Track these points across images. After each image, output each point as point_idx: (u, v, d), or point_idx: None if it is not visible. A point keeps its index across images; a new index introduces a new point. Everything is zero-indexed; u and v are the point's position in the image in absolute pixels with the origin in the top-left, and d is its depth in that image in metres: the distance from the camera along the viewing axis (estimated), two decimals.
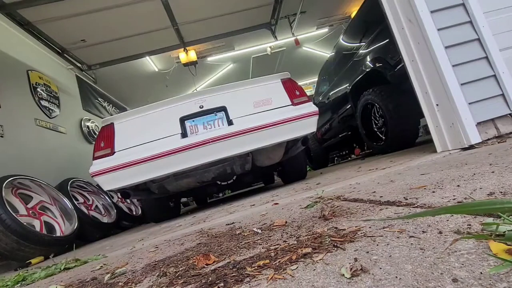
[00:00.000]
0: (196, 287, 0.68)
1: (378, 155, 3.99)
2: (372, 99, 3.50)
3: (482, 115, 1.96)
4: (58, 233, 2.95)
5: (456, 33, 2.03)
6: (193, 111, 2.72)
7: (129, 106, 8.66)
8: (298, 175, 3.59)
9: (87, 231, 3.49)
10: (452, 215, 0.70)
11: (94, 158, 2.59)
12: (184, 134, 2.65)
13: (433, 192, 0.99)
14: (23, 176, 2.94)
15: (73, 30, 5.19)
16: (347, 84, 4.19)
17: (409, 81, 2.24)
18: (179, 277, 0.79)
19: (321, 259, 0.65)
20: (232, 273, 0.70)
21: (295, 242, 0.82)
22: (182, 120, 2.69)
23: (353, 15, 5.92)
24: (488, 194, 0.81)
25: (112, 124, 2.70)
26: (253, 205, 2.06)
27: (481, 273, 0.43)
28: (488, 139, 1.96)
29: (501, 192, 0.80)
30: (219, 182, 3.43)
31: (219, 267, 0.78)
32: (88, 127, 5.95)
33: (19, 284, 1.49)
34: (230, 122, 2.69)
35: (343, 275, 0.54)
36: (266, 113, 2.72)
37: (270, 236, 0.97)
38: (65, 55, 5.77)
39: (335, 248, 0.69)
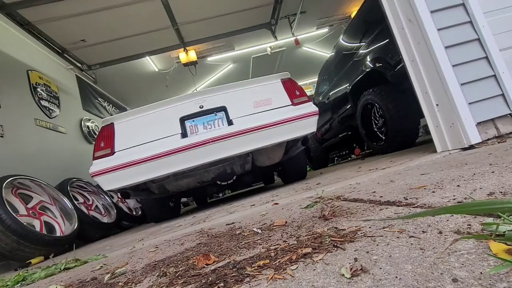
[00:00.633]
0: (196, 287, 0.68)
1: (378, 155, 3.99)
2: (372, 99, 3.50)
3: (482, 115, 1.96)
4: (58, 233, 2.95)
5: (456, 33, 2.03)
6: (193, 111, 2.72)
7: (129, 106, 8.66)
8: (298, 175, 3.59)
9: (87, 231, 3.49)
10: (452, 215, 0.70)
11: (94, 158, 2.59)
12: (184, 134, 2.65)
13: (433, 192, 0.99)
14: (23, 176, 2.94)
15: (73, 30, 5.19)
16: (347, 84, 4.19)
17: (409, 81, 2.24)
18: (179, 277, 0.79)
19: (321, 259, 0.65)
20: (232, 273, 0.70)
21: (295, 242, 0.82)
22: (182, 120, 2.69)
23: (353, 15, 5.92)
24: (488, 194, 0.81)
25: (112, 124, 2.70)
26: (253, 205, 2.06)
27: (481, 273, 0.43)
28: (488, 139, 1.96)
29: (501, 192, 0.80)
30: (219, 182, 3.43)
31: (219, 267, 0.78)
32: (88, 127, 5.95)
33: (19, 284, 1.49)
34: (230, 122, 2.69)
35: (343, 275, 0.54)
36: (266, 113, 2.72)
37: (270, 236, 0.97)
38: (65, 55, 5.76)
39: (335, 248, 0.69)
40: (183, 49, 6.68)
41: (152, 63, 7.19)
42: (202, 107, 2.73)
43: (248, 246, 0.92)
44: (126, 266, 1.16)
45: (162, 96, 7.41)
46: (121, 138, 2.64)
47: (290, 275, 0.60)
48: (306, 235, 0.86)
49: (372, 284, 0.48)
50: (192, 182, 2.95)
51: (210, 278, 0.70)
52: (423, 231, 0.66)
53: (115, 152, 2.59)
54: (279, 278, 0.60)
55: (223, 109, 2.74)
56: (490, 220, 0.62)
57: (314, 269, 0.60)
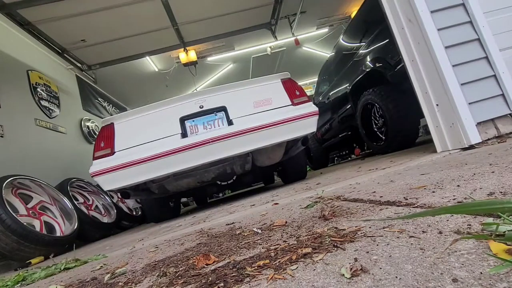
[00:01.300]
0: (196, 287, 0.68)
1: (378, 155, 3.99)
2: (372, 99, 3.50)
3: (482, 115, 1.96)
4: (58, 233, 2.95)
5: (456, 33, 2.03)
6: (193, 111, 2.72)
7: (129, 106, 8.66)
8: (298, 175, 3.59)
9: (87, 231, 3.49)
10: (452, 215, 0.70)
11: (94, 158, 2.59)
12: (184, 134, 2.65)
13: (433, 192, 0.99)
14: (23, 176, 2.94)
15: (73, 30, 5.19)
16: (347, 84, 4.19)
17: (409, 81, 2.24)
18: (179, 277, 0.79)
19: (321, 259, 0.65)
20: (232, 273, 0.70)
21: (295, 242, 0.82)
22: (182, 120, 2.69)
23: (353, 15, 5.93)
24: (488, 194, 0.81)
25: (112, 124, 2.70)
26: (253, 205, 2.06)
27: (481, 273, 0.43)
28: (488, 139, 1.96)
29: (501, 192, 0.80)
30: (219, 182, 3.43)
31: (219, 267, 0.78)
32: (88, 127, 5.95)
33: (19, 284, 1.49)
34: (230, 122, 2.69)
35: (343, 275, 0.54)
36: (266, 113, 2.72)
37: (270, 236, 0.97)
38: (65, 55, 5.77)
39: (335, 248, 0.69)
40: (183, 49, 6.68)
41: (152, 63, 7.19)
42: (202, 107, 2.73)
43: (248, 246, 0.92)
44: (126, 266, 1.16)
45: (162, 96, 7.42)
46: (121, 138, 2.64)
47: (290, 275, 0.60)
48: (306, 235, 0.86)
49: (372, 284, 0.48)
50: (192, 182, 2.95)
51: (210, 278, 0.70)
52: (423, 231, 0.66)
53: (115, 152, 2.59)
54: (279, 278, 0.60)
55: (223, 109, 2.74)
56: (490, 220, 0.62)
57: (314, 269, 0.60)
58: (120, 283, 0.91)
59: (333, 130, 5.27)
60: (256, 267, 0.70)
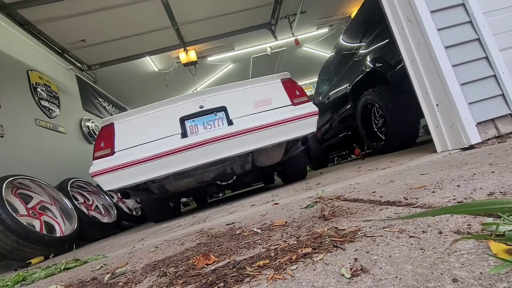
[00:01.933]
0: (196, 287, 0.68)
1: (378, 155, 3.99)
2: (372, 99, 3.50)
3: (482, 115, 1.96)
4: (58, 233, 2.95)
5: (456, 33, 2.03)
6: (193, 111, 2.72)
7: (129, 106, 8.66)
8: (298, 175, 3.59)
9: (87, 231, 3.49)
10: (452, 215, 0.70)
11: (94, 158, 2.59)
12: (184, 134, 2.65)
13: (433, 192, 0.99)
14: (23, 176, 2.94)
15: (73, 30, 5.20)
16: (347, 84, 4.19)
17: (409, 81, 2.24)
18: (179, 277, 0.79)
19: (321, 259, 0.65)
20: (232, 273, 0.70)
21: (295, 242, 0.82)
22: (182, 120, 2.69)
23: (353, 15, 5.92)
24: (488, 194, 0.81)
25: (112, 124, 2.70)
26: (253, 205, 2.06)
27: (481, 273, 0.43)
28: (488, 139, 1.96)
29: (501, 192, 0.80)
30: (219, 182, 3.43)
31: (219, 267, 0.78)
32: (88, 127, 5.95)
33: (19, 284, 1.49)
34: (230, 122, 2.69)
35: (343, 275, 0.54)
36: (266, 113, 2.72)
37: (270, 236, 0.97)
38: (65, 55, 5.77)
39: (335, 248, 0.69)
40: (183, 49, 6.68)
41: (152, 63, 7.19)
42: (202, 107, 2.73)
43: (248, 246, 0.92)
44: (126, 266, 1.16)
45: (162, 96, 7.40)
46: (121, 138, 2.64)
47: (290, 275, 0.60)
48: (306, 235, 0.86)
49: (372, 284, 0.48)
50: (192, 182, 2.95)
51: (210, 278, 0.70)
52: (423, 231, 0.66)
53: (115, 152, 2.59)
54: (279, 278, 0.60)
55: (223, 109, 2.74)
56: (490, 220, 0.62)
57: (314, 269, 0.60)
58: (120, 283, 0.91)
59: (333, 130, 5.27)
60: (256, 267, 0.70)
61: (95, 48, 5.87)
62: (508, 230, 0.51)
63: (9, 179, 2.72)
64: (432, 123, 2.14)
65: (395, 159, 2.55)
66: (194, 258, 0.93)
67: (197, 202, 6.53)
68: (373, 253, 0.61)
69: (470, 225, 0.62)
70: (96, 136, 3.19)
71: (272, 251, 0.79)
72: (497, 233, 0.52)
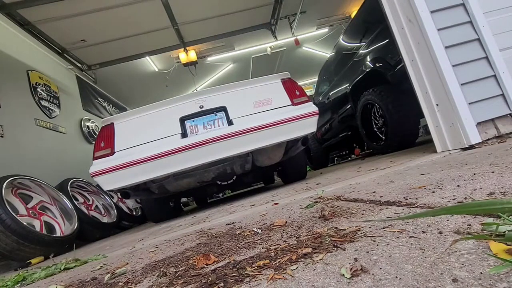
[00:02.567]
0: (196, 287, 0.68)
1: (378, 155, 3.99)
2: (372, 99, 3.50)
3: (482, 115, 1.96)
4: (58, 233, 2.95)
5: (456, 33, 2.03)
6: (193, 111, 2.72)
7: (129, 106, 8.66)
8: (298, 175, 3.59)
9: (87, 231, 3.49)
10: (452, 215, 0.70)
11: (94, 158, 2.59)
12: (184, 134, 2.65)
13: (433, 192, 0.99)
14: (23, 176, 2.94)
15: (73, 30, 5.19)
16: (347, 84, 4.19)
17: (409, 81, 2.24)
18: (179, 277, 0.79)
19: (321, 259, 0.65)
20: (232, 273, 0.70)
21: (295, 242, 0.82)
22: (182, 120, 2.69)
23: (353, 15, 5.92)
24: (488, 194, 0.81)
25: (112, 124, 2.70)
26: (253, 205, 2.06)
27: (481, 273, 0.43)
28: (488, 139, 1.96)
29: (501, 192, 0.80)
30: (219, 182, 3.43)
31: (219, 267, 0.78)
32: (88, 127, 5.95)
33: (19, 284, 1.49)
34: (230, 122, 2.69)
35: (343, 275, 0.54)
36: (266, 113, 2.72)
37: (270, 236, 0.97)
38: (65, 55, 5.77)
39: (335, 248, 0.69)
40: (183, 49, 6.68)
41: (152, 63, 7.19)
42: (202, 107, 2.73)
43: (248, 246, 0.92)
44: (126, 266, 1.16)
45: (162, 96, 7.37)
46: (121, 138, 2.64)
47: (290, 275, 0.60)
48: (306, 235, 0.86)
49: (372, 284, 0.48)
50: (192, 182, 2.95)
51: (210, 278, 0.70)
52: (423, 231, 0.66)
53: (115, 152, 2.59)
54: (279, 278, 0.60)
55: (223, 109, 2.74)
56: (490, 220, 0.62)
57: (314, 269, 0.60)
58: (120, 283, 0.91)
59: (333, 130, 5.27)
60: (256, 267, 0.70)
61: (95, 48, 5.87)
62: (508, 230, 0.51)
63: (9, 179, 2.72)
64: (432, 123, 2.14)
65: (395, 159, 2.55)
66: (194, 258, 0.93)
67: (197, 202, 6.53)
68: (373, 253, 0.61)
69: (470, 225, 0.62)
70: (96, 136, 3.19)
71: (272, 251, 0.79)
72: (497, 233, 0.52)
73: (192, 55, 6.82)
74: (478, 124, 1.94)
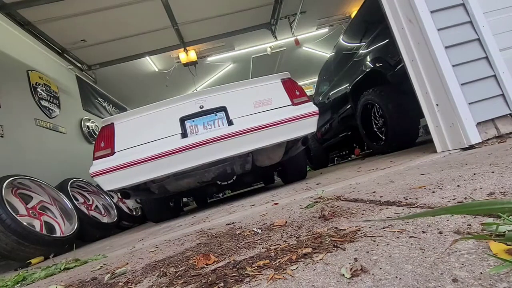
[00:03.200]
0: (196, 287, 0.68)
1: (378, 155, 3.99)
2: (372, 99, 3.50)
3: (482, 115, 1.96)
4: (58, 233, 2.95)
5: (456, 33, 2.03)
6: (193, 111, 2.72)
7: (129, 106, 8.66)
8: (298, 175, 3.59)
9: (87, 231, 3.49)
10: (452, 215, 0.70)
11: (94, 158, 2.58)
12: (184, 134, 2.65)
13: (433, 192, 0.99)
14: (23, 176, 2.94)
15: (73, 30, 5.20)
16: (347, 84, 4.19)
17: (409, 81, 2.24)
18: (179, 277, 0.79)
19: (321, 259, 0.65)
20: (232, 273, 0.70)
21: (295, 242, 0.82)
22: (182, 120, 2.69)
23: (353, 15, 5.93)
24: (488, 194, 0.81)
25: (112, 124, 2.70)
26: (253, 205, 2.06)
27: (481, 273, 0.43)
28: (488, 139, 1.96)
29: (501, 192, 0.80)
30: (219, 182, 3.43)
31: (219, 267, 0.78)
32: (88, 127, 5.95)
33: (19, 284, 1.49)
34: (230, 122, 2.69)
35: (343, 275, 0.54)
36: (266, 113, 2.72)
37: (270, 236, 0.97)
38: (65, 55, 5.77)
39: (335, 248, 0.69)
40: (183, 49, 6.68)
41: (152, 63, 7.19)
42: (202, 107, 2.72)
43: (248, 246, 0.92)
44: (126, 266, 1.16)
45: (162, 96, 7.36)
46: (121, 138, 2.64)
47: (290, 275, 0.60)
48: (306, 235, 0.86)
49: (372, 284, 0.48)
50: (192, 182, 2.95)
51: (210, 278, 0.70)
52: (423, 231, 0.66)
53: (115, 152, 2.59)
54: (279, 278, 0.60)
55: (223, 109, 2.74)
56: (490, 220, 0.62)
57: (314, 269, 0.60)
58: (120, 283, 0.91)
59: (333, 130, 5.27)
60: (256, 267, 0.70)
61: (95, 48, 5.87)
62: (508, 230, 0.51)
63: (9, 179, 2.73)
64: (432, 123, 2.14)
65: (395, 159, 2.55)
66: (194, 258, 0.93)
67: (197, 202, 6.53)
68: (373, 253, 0.61)
69: (470, 225, 0.62)
70: (96, 136, 3.19)
71: (272, 251, 0.79)
72: (497, 233, 0.52)
73: (192, 55, 6.82)
74: (478, 124, 1.94)
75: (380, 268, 0.53)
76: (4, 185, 2.61)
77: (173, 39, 6.27)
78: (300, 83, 3.12)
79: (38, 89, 4.73)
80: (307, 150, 6.58)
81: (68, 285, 1.10)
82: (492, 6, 2.09)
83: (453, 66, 1.98)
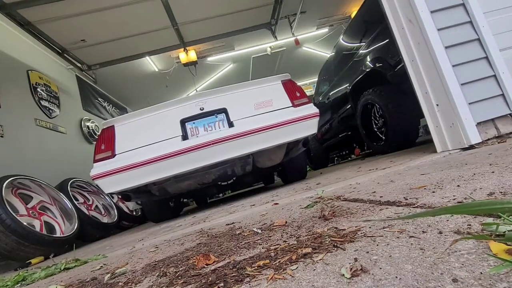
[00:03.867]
0: (196, 287, 0.68)
1: (378, 155, 3.99)
2: (372, 99, 3.50)
3: (482, 115, 1.96)
4: (58, 233, 2.95)
5: (456, 33, 2.03)
6: (194, 113, 2.71)
7: (129, 106, 8.66)
8: (298, 175, 3.59)
9: (87, 231, 3.49)
10: (452, 215, 0.70)
11: (95, 161, 2.58)
12: (184, 136, 2.64)
13: (433, 192, 0.99)
14: (23, 176, 2.94)
15: (73, 30, 5.20)
16: (347, 84, 4.19)
17: (409, 81, 2.24)
18: (179, 277, 0.79)
19: (321, 259, 0.65)
20: (232, 273, 0.70)
21: (295, 242, 0.82)
22: (183, 122, 2.69)
23: (353, 15, 5.93)
24: (488, 194, 0.81)
25: (112, 126, 2.69)
26: (253, 205, 2.06)
27: (481, 273, 0.43)
28: (488, 139, 1.96)
29: (501, 192, 0.80)
30: (219, 183, 3.43)
31: (219, 267, 0.78)
32: (88, 127, 5.95)
33: (19, 284, 1.49)
34: (230, 124, 2.69)
35: (343, 275, 0.54)
36: (267, 115, 2.72)
37: (270, 236, 0.97)
38: (65, 55, 5.77)
39: (335, 248, 0.69)
40: (183, 49, 6.68)
41: (152, 63, 7.19)
42: (203, 109, 2.72)
43: (248, 246, 0.92)
44: (126, 266, 1.16)
45: (162, 96, 7.41)
46: (121, 140, 2.63)
47: (290, 275, 0.60)
48: (306, 235, 0.86)
49: (372, 284, 0.48)
50: (193, 184, 2.95)
51: (210, 278, 0.70)
52: (423, 231, 0.66)
53: (115, 154, 2.58)
54: (279, 278, 0.60)
55: (224, 111, 2.74)
56: (490, 220, 0.62)
57: (314, 269, 0.60)
58: (120, 283, 0.91)
59: (333, 130, 5.27)
60: (256, 267, 0.70)
61: (95, 48, 5.87)
62: (508, 230, 0.51)
63: (9, 179, 2.73)
64: (432, 123, 2.14)
65: (395, 159, 2.55)
66: (194, 258, 0.93)
67: (197, 202, 6.53)
68: (373, 253, 0.61)
69: (470, 225, 0.62)
70: (96, 136, 3.19)
71: (272, 251, 0.79)
72: (497, 233, 0.52)
73: (192, 55, 6.83)
74: (478, 124, 1.94)
75: (380, 268, 0.53)
76: (4, 185, 2.61)
77: (173, 39, 6.27)
78: (300, 83, 3.13)
79: (38, 89, 4.73)
80: (307, 150, 6.57)
81: (68, 285, 1.10)
82: (492, 6, 2.09)
83: (453, 66, 1.98)
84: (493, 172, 1.06)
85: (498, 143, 1.86)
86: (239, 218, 1.62)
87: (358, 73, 3.78)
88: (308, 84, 11.02)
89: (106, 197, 4.28)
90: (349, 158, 7.94)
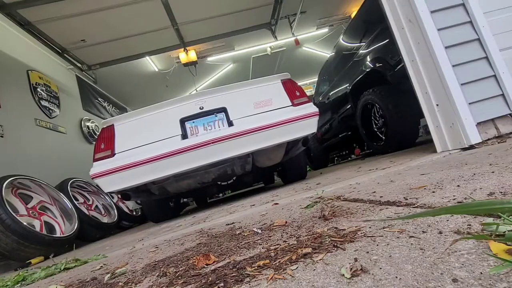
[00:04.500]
0: (196, 287, 0.68)
1: (378, 155, 3.99)
2: (372, 99, 3.50)
3: (482, 115, 1.96)
4: (58, 233, 2.95)
5: (456, 33, 2.03)
6: (193, 112, 2.71)
7: (129, 106, 8.66)
8: (298, 175, 3.59)
9: (87, 231, 3.49)
10: (452, 215, 0.70)
11: (95, 160, 2.58)
12: (184, 136, 2.65)
13: (433, 192, 0.99)
14: (23, 176, 2.94)
15: (73, 30, 5.20)
16: (347, 84, 4.19)
17: (409, 81, 2.24)
18: (179, 277, 0.79)
19: (321, 259, 0.65)
20: (232, 273, 0.70)
21: (295, 242, 0.82)
22: (182, 121, 2.69)
23: (353, 15, 5.93)
24: (488, 194, 0.81)
25: (112, 125, 2.69)
26: (253, 205, 2.06)
27: (481, 273, 0.43)
28: (488, 139, 1.96)
29: (501, 192, 0.80)
30: (219, 183, 3.43)
31: (219, 267, 0.78)
32: (88, 127, 5.95)
33: (19, 284, 1.49)
34: (230, 123, 2.69)
35: (343, 275, 0.54)
36: (267, 114, 2.72)
37: (270, 236, 0.97)
38: (65, 55, 5.77)
39: (335, 248, 0.69)
40: (183, 49, 6.68)
41: (152, 63, 7.19)
42: (202, 108, 2.72)
43: (248, 246, 0.92)
44: (126, 266, 1.16)
45: (162, 96, 7.39)
46: (121, 139, 2.64)
47: (290, 275, 0.60)
48: (306, 235, 0.86)
49: (372, 284, 0.48)
50: (192, 183, 2.95)
51: (210, 278, 0.70)
52: (423, 231, 0.66)
53: (115, 154, 2.58)
54: (279, 278, 0.60)
55: (223, 110, 2.74)
56: (490, 220, 0.62)
57: (314, 269, 0.60)
58: (120, 283, 0.91)
59: (333, 130, 5.27)
60: (256, 267, 0.70)
61: (95, 48, 5.87)
62: (508, 230, 0.51)
63: (9, 179, 2.73)
64: (432, 123, 2.14)
65: (395, 159, 2.55)
66: (194, 258, 0.93)
67: (197, 202, 6.53)
68: (373, 253, 0.61)
69: (470, 225, 0.62)
70: (96, 136, 3.19)
71: (272, 251, 0.79)
72: (497, 233, 0.52)
73: (192, 55, 6.83)
74: (478, 124, 1.94)
75: (380, 268, 0.53)
76: (4, 185, 2.61)
77: (173, 39, 6.27)
78: (300, 83, 3.13)
79: (38, 89, 4.73)
80: (307, 150, 6.57)
81: (68, 285, 1.10)
82: (492, 6, 2.09)
83: (453, 66, 1.98)
84: (493, 172, 1.06)
85: (498, 143, 1.86)
86: (239, 218, 1.62)
87: (358, 73, 3.78)
88: (308, 84, 11.02)
89: (106, 197, 4.28)
90: (349, 158, 7.94)
